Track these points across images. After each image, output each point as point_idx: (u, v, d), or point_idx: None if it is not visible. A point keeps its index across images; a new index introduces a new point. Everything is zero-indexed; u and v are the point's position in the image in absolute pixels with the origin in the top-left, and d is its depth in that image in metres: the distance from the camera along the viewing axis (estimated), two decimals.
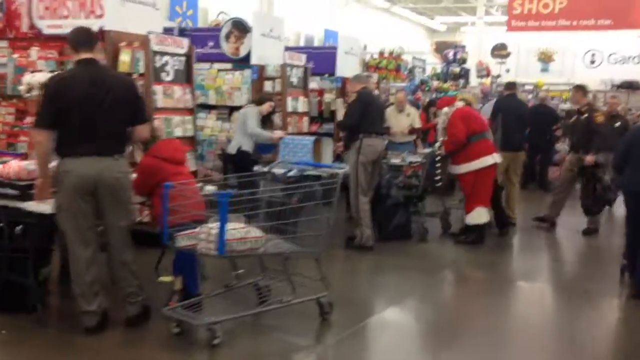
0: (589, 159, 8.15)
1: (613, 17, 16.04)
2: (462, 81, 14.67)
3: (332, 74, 10.84)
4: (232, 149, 7.87)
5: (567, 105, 21.61)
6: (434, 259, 7.21)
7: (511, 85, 9.50)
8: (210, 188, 5.31)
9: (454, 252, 7.57)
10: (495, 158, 7.64)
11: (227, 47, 9.26)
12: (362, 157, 7.04)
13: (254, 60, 9.03)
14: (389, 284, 6.28)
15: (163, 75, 6.68)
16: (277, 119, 9.07)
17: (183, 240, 4.31)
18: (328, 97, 10.86)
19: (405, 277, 6.52)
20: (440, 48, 27.05)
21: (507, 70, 25.63)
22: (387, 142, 10.42)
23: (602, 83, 24.50)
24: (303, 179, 4.98)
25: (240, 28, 9.24)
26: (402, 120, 10.16)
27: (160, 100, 6.59)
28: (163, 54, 6.65)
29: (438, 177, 7.81)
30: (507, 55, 26.10)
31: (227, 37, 9.23)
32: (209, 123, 9.38)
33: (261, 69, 9.08)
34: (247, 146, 7.64)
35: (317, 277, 4.84)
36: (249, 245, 4.29)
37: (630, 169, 5.94)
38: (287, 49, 9.98)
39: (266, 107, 7.80)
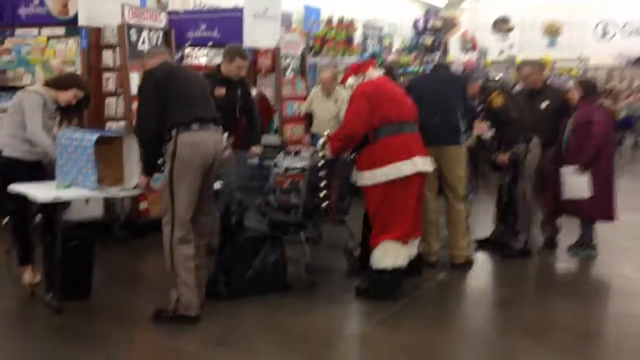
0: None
1: None
2: (437, 54, 11.35)
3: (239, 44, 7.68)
4: None
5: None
6: (300, 338, 3.93)
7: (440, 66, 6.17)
8: None
9: (348, 320, 4.39)
10: (418, 164, 4.43)
11: (52, 4, 6.14)
12: (179, 164, 3.90)
13: (82, 21, 5.90)
14: None
15: None
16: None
17: None
18: None
19: None
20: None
21: (511, 46, 22.18)
22: (311, 134, 7.35)
23: (618, 57, 20.90)
24: None
25: None
26: (329, 106, 7.05)
27: None
28: None
29: (322, 195, 4.62)
30: (510, 29, 22.58)
31: None
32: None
33: (95, 33, 5.95)
34: (18, 149, 4.49)
35: None
36: None
37: None
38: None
39: (68, 96, 4.57)
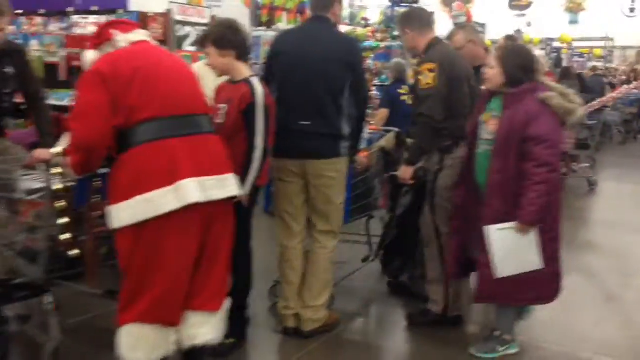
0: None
1: None
2: None
3: (124, 8, 5.76)
4: None
5: (600, 64, 15.85)
6: None
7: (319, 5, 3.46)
8: None
9: None
10: (188, 192, 2.35)
11: None
12: None
13: None
14: None
15: None
16: None
17: None
18: None
19: None
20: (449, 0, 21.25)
21: (529, 24, 19.62)
22: None
23: None
24: None
25: None
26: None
27: None
28: None
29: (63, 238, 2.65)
30: (528, 5, 19.98)
31: None
32: None
33: None
34: None
35: None
36: None
37: None
38: None
39: None
